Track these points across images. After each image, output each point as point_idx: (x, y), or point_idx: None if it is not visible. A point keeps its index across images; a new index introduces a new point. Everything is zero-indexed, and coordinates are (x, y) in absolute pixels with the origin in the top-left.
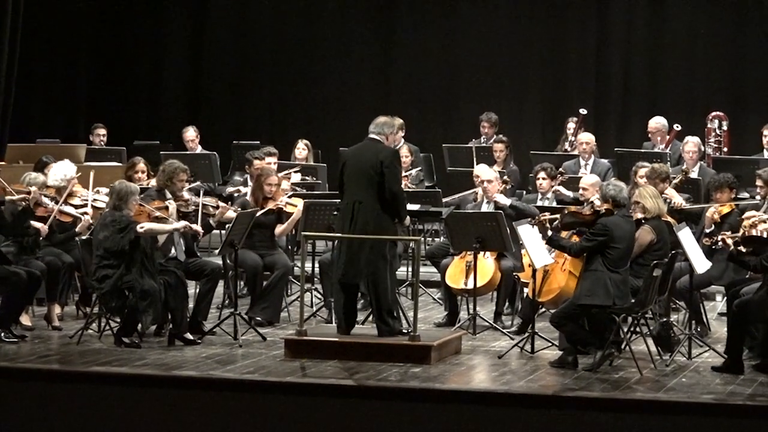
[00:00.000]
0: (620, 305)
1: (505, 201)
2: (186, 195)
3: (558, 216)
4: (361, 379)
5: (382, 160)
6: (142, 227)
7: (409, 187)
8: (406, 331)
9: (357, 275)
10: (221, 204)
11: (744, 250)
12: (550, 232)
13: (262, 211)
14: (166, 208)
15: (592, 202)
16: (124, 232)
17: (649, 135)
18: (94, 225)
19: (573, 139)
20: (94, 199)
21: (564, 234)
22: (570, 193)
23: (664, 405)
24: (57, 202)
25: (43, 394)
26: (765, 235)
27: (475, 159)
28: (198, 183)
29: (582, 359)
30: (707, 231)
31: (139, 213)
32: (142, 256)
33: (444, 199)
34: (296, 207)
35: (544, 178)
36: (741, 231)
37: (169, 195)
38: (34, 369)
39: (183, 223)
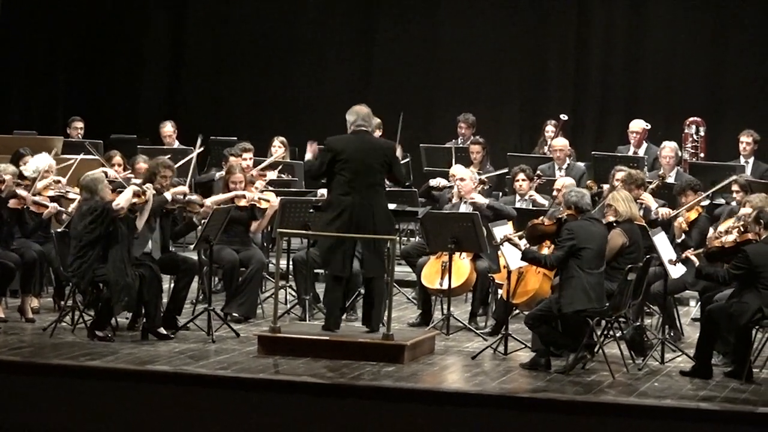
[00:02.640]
0: (596, 308)
1: (483, 201)
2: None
3: (523, 232)
4: (333, 378)
5: (389, 152)
6: (117, 203)
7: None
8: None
9: (373, 271)
10: (206, 203)
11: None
12: (523, 248)
13: (229, 196)
14: (144, 192)
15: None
16: (103, 216)
17: (633, 135)
18: (72, 217)
19: (551, 142)
20: (67, 191)
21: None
22: (546, 202)
23: (636, 408)
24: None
25: (13, 387)
26: (725, 242)
27: (453, 159)
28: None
29: (555, 361)
30: (678, 241)
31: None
32: (119, 247)
33: (431, 182)
34: (269, 202)
35: (523, 179)
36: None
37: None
38: (5, 361)
39: (149, 186)
